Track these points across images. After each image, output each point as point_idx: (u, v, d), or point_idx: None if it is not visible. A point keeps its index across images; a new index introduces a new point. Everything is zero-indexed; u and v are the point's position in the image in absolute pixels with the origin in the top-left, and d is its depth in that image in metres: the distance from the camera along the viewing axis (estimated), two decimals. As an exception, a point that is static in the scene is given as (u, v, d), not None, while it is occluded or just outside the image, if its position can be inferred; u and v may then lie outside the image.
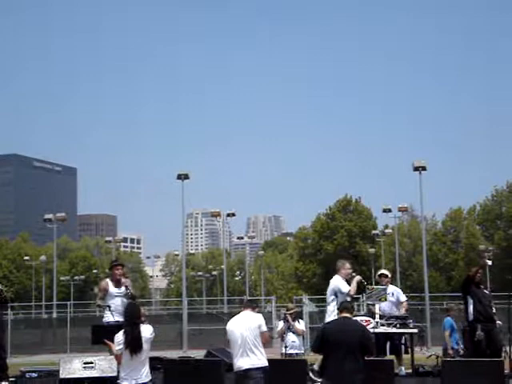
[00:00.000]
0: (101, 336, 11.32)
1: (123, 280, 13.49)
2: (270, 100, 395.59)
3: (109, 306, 13.03)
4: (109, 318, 13.00)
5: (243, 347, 10.11)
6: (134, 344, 9.14)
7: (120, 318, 12.80)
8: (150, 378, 9.41)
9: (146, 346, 9.23)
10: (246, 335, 10.12)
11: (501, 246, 75.12)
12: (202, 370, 12.68)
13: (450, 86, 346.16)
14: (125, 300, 13.05)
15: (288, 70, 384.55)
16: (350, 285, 13.14)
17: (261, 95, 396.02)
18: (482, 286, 13.82)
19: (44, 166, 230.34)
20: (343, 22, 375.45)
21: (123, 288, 13.30)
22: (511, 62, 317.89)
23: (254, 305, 10.69)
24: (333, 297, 12.99)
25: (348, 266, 13.51)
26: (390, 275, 15.70)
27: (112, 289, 13.29)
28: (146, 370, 9.30)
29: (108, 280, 13.47)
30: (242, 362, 10.12)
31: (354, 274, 13.58)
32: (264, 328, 10.19)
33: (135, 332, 9.18)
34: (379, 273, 15.78)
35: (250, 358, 10.05)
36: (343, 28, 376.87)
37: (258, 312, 10.58)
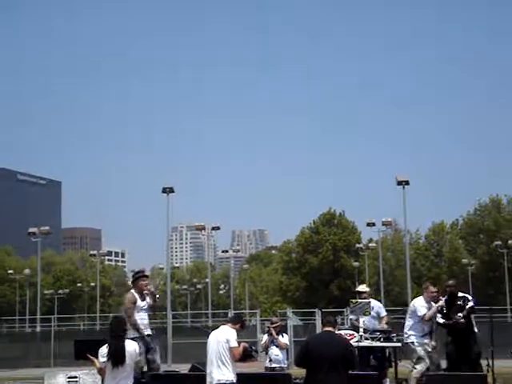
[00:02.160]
0: (84, 351, 11.29)
1: (149, 287, 13.10)
2: (254, 115, 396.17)
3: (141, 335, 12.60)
4: (135, 333, 12.59)
5: (211, 361, 10.25)
6: (116, 356, 9.14)
7: (149, 332, 12.85)
8: None
9: (129, 360, 9.20)
10: (215, 349, 10.23)
11: (483, 259, 75.49)
12: (186, 383, 12.70)
13: (432, 98, 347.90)
14: (146, 313, 12.88)
15: (273, 87, 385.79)
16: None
17: (245, 110, 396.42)
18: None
19: (28, 180, 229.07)
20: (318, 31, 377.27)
21: (146, 301, 12.94)
22: (493, 67, 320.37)
23: (235, 321, 10.71)
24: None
25: (432, 289, 13.79)
26: (367, 290, 15.77)
27: (138, 302, 12.85)
28: None
29: (134, 292, 12.94)
30: (209, 377, 10.26)
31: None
32: (232, 344, 10.20)
33: (119, 345, 9.18)
34: (357, 290, 15.87)
35: (216, 372, 10.16)
36: (320, 45, 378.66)
37: (241, 328, 10.61)
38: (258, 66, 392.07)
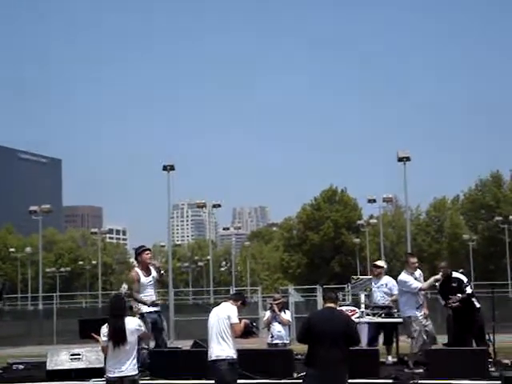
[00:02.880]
0: (88, 330, 11.31)
1: (153, 262, 13.01)
2: (254, 91, 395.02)
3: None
4: (145, 308, 12.63)
5: (212, 337, 10.29)
6: (116, 336, 9.14)
7: (156, 308, 12.85)
8: (137, 371, 9.39)
9: (131, 338, 9.20)
10: (216, 325, 10.26)
11: (484, 235, 75.55)
12: (189, 360, 12.74)
13: (433, 75, 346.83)
14: (152, 289, 12.81)
15: (271, 64, 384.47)
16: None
17: (246, 84, 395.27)
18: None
19: (29, 158, 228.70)
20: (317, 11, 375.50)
21: (152, 275, 12.85)
22: (493, 51, 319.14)
23: (236, 298, 10.72)
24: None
25: (412, 259, 13.88)
26: (384, 266, 15.72)
27: (143, 279, 12.77)
28: (132, 362, 9.24)
29: (137, 269, 12.87)
30: (210, 352, 10.31)
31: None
32: (234, 320, 10.23)
33: (118, 324, 9.17)
34: (375, 263, 15.87)
35: (216, 348, 10.19)
36: (319, 19, 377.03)
37: (242, 305, 10.61)
38: (259, 40, 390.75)
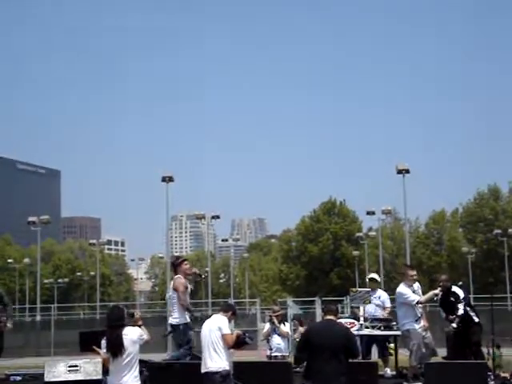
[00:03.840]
0: (89, 342, 11.25)
1: (193, 270, 13.28)
2: (253, 103, 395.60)
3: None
4: (183, 319, 12.73)
5: (204, 349, 10.33)
6: (113, 347, 9.06)
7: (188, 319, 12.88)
8: (139, 382, 9.26)
9: (132, 348, 9.09)
10: (207, 337, 10.29)
11: (483, 248, 75.55)
12: (187, 372, 12.70)
13: (433, 88, 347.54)
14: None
15: (270, 78, 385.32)
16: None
17: (243, 99, 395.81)
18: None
19: (27, 169, 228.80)
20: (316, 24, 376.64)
21: (189, 286, 12.95)
22: (492, 64, 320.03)
23: (226, 309, 10.75)
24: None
25: (410, 272, 13.81)
26: (379, 280, 15.88)
27: (189, 287, 12.95)
28: (133, 373, 9.13)
29: (182, 277, 12.94)
30: (203, 365, 10.34)
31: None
32: (225, 331, 10.25)
33: (114, 335, 9.09)
34: (369, 276, 15.88)
35: (208, 361, 10.23)
36: (317, 32, 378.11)
37: (232, 315, 10.62)
38: (258, 48, 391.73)
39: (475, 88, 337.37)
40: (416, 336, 13.20)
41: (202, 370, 10.27)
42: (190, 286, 13.12)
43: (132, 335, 9.18)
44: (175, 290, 12.86)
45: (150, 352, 17.05)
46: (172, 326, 13.00)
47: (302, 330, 17.11)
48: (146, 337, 9.45)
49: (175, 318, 12.88)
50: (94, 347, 9.60)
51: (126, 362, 9.06)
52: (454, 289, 13.87)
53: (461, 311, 13.47)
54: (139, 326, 9.73)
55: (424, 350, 13.22)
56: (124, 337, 9.10)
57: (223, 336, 10.21)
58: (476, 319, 13.60)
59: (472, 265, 69.49)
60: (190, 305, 12.83)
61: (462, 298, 13.67)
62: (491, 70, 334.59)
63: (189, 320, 12.79)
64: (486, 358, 13.28)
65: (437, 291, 13.59)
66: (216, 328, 10.25)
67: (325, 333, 9.36)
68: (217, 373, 10.08)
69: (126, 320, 9.35)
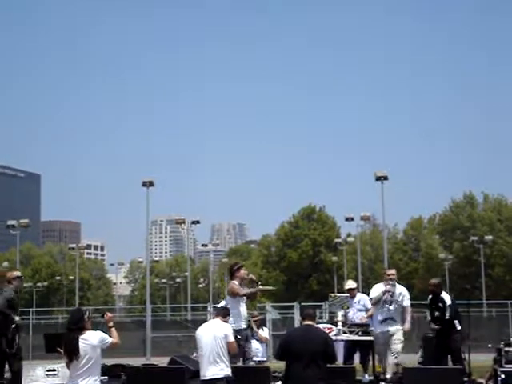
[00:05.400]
0: (54, 344, 11.17)
1: (250, 276, 13.19)
2: (235, 109, 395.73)
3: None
4: (241, 324, 12.58)
5: (207, 356, 10.21)
6: (68, 350, 8.98)
7: (245, 325, 12.82)
8: None
9: (92, 353, 8.94)
10: (212, 344, 10.21)
11: (459, 255, 76.02)
12: (166, 377, 12.70)
13: (412, 95, 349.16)
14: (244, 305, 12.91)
15: (255, 84, 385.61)
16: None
17: (225, 103, 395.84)
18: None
19: (7, 172, 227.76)
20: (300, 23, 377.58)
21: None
22: (479, 69, 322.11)
23: (225, 313, 10.77)
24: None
25: (387, 271, 13.78)
26: (355, 285, 15.95)
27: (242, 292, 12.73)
28: (92, 378, 8.98)
29: (236, 283, 12.77)
30: (205, 372, 10.24)
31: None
32: (230, 338, 10.27)
33: (69, 337, 8.99)
34: (347, 288, 15.86)
35: (213, 367, 10.14)
36: (307, 34, 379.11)
37: (228, 319, 10.68)
38: (244, 51, 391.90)
39: (454, 94, 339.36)
40: (375, 338, 13.28)
41: (205, 377, 10.18)
42: (258, 282, 13.15)
43: (92, 339, 9.02)
44: (231, 295, 12.76)
45: (129, 356, 17.07)
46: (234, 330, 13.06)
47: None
48: (111, 340, 9.21)
49: (232, 323, 12.86)
50: (59, 348, 9.52)
51: (85, 366, 8.92)
52: (444, 295, 13.94)
53: (447, 316, 13.55)
54: (110, 328, 9.62)
55: (380, 353, 13.14)
56: (83, 342, 8.96)
57: (229, 343, 10.23)
58: (458, 327, 13.71)
59: (449, 271, 69.88)
60: (246, 292, 12.75)
61: (448, 304, 13.75)
62: (473, 74, 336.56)
63: (245, 326, 12.70)
64: (465, 365, 13.38)
65: (388, 287, 13.44)
66: (222, 335, 10.21)
67: (303, 338, 9.38)
68: (223, 379, 10.08)
69: (86, 324, 9.13)
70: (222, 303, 14.29)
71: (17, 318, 12.89)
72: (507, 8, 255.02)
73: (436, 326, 13.55)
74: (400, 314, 13.44)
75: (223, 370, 10.14)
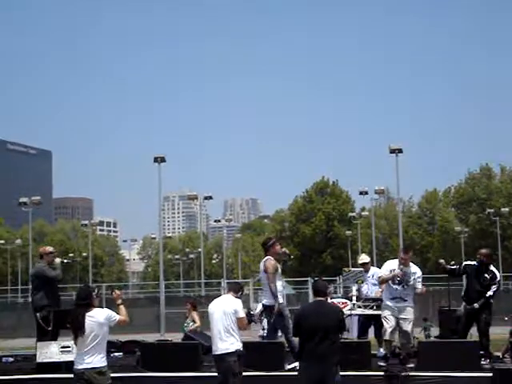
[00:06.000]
0: (62, 321, 11.18)
1: (283, 250, 13.24)
2: (246, 83, 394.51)
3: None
4: (274, 300, 12.47)
5: (218, 331, 10.20)
6: (73, 326, 9.01)
7: (282, 300, 12.71)
8: (105, 363, 9.11)
9: (98, 330, 8.96)
10: (222, 319, 10.18)
11: (475, 228, 75.66)
12: (180, 353, 12.66)
13: (425, 70, 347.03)
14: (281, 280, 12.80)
15: (263, 59, 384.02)
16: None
17: (235, 78, 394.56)
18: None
19: (18, 149, 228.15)
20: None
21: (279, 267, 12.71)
22: (485, 46, 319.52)
23: (237, 288, 10.66)
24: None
25: (401, 255, 13.27)
26: (368, 260, 15.75)
27: (279, 269, 12.73)
28: (99, 355, 9.00)
29: (272, 259, 12.72)
30: (215, 346, 10.24)
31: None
32: (240, 314, 10.20)
33: (75, 313, 9.03)
34: (360, 262, 15.65)
35: (223, 342, 10.12)
36: (318, 20, 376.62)
37: (240, 295, 10.57)
38: (255, 32, 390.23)
39: (464, 67, 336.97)
40: (382, 311, 12.98)
41: (216, 352, 10.18)
42: (279, 267, 12.86)
43: (99, 317, 9.03)
44: (265, 271, 12.71)
45: (143, 332, 17.04)
46: (264, 306, 12.92)
47: (194, 314, 16.82)
48: (118, 317, 9.22)
49: (266, 298, 12.74)
50: (68, 325, 9.50)
51: (92, 343, 8.95)
52: (493, 269, 13.49)
53: (490, 292, 13.11)
54: (118, 305, 9.56)
55: (391, 324, 12.80)
56: (90, 319, 8.98)
57: (239, 319, 10.17)
58: (491, 300, 13.32)
59: (464, 245, 69.63)
60: (277, 290, 12.50)
61: (497, 279, 13.37)
62: (484, 52, 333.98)
63: (281, 301, 12.58)
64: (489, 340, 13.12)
65: (397, 271, 13.01)
66: (232, 311, 10.16)
67: (315, 314, 9.31)
68: (234, 353, 10.03)
69: (93, 301, 9.15)
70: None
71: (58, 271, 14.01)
72: (507, 6, 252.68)
73: (476, 305, 13.04)
74: (411, 295, 12.98)
75: (233, 344, 10.09)
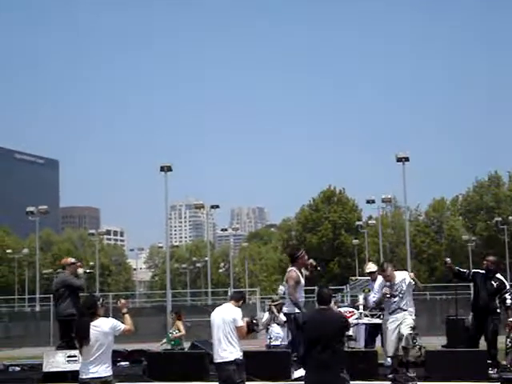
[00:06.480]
0: (69, 331, 11.20)
1: (310, 261, 13.05)
2: (252, 92, 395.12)
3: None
4: (293, 309, 12.51)
5: (218, 339, 10.26)
6: (78, 335, 8.99)
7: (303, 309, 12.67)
8: (110, 373, 9.07)
9: (103, 340, 8.94)
10: (222, 328, 10.23)
11: (483, 236, 75.49)
12: (186, 362, 12.65)
13: (432, 76, 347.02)
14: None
15: (265, 61, 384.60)
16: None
17: (242, 87, 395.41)
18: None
19: (26, 159, 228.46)
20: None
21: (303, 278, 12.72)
22: (493, 52, 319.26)
23: (238, 297, 10.64)
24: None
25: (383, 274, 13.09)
26: (375, 269, 15.54)
27: (302, 280, 12.68)
28: (105, 364, 8.98)
29: (296, 270, 12.65)
30: (216, 355, 10.31)
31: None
32: (239, 323, 10.21)
33: (80, 323, 9.02)
34: (368, 271, 15.40)
35: (223, 351, 10.18)
36: (321, 15, 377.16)
37: (243, 303, 10.55)
38: (256, 39, 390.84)
39: (476, 75, 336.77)
40: (383, 326, 12.82)
41: (217, 360, 10.26)
42: (302, 279, 12.76)
43: (104, 326, 9.01)
44: (287, 281, 12.77)
45: (150, 341, 17.06)
46: (285, 315, 13.10)
47: (179, 324, 16.83)
48: (123, 327, 9.19)
49: (287, 307, 12.86)
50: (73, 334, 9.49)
51: (97, 353, 8.92)
52: (499, 276, 13.38)
53: (509, 301, 13.01)
54: (123, 314, 9.56)
55: (390, 339, 12.65)
56: (95, 328, 8.95)
57: (237, 328, 10.20)
58: (498, 310, 13.25)
59: (472, 253, 69.45)
60: (298, 301, 12.53)
61: (508, 287, 13.27)
62: (492, 57, 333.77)
63: (297, 311, 12.54)
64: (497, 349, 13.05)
65: (385, 290, 12.79)
66: (230, 319, 10.20)
67: (318, 323, 9.27)
68: (232, 362, 10.07)
69: (98, 310, 9.12)
70: (281, 288, 14.15)
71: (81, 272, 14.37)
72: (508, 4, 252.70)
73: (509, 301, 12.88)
74: (411, 301, 12.77)
75: (232, 353, 10.13)
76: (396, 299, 12.51)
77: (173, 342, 16.70)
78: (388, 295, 12.47)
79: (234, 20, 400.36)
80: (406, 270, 13.48)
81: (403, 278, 12.73)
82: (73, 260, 14.58)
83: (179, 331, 16.85)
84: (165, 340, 17.09)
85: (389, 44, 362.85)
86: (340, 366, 9.11)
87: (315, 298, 9.60)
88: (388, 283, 12.59)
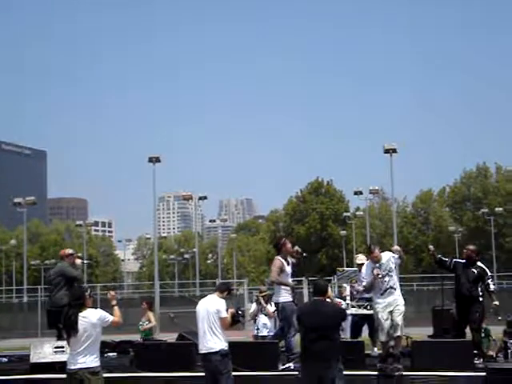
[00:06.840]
0: (56, 320, 11.23)
1: (295, 249, 12.99)
2: (242, 84, 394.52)
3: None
4: (286, 297, 12.56)
5: (203, 330, 10.33)
6: (66, 326, 9.06)
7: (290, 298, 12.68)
8: (98, 363, 9.13)
9: (91, 330, 9.00)
10: (206, 319, 10.29)
11: (469, 227, 75.81)
12: (174, 353, 12.67)
13: (421, 68, 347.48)
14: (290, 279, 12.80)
15: (262, 52, 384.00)
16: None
17: (232, 77, 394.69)
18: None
19: (13, 149, 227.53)
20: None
21: (289, 265, 12.72)
22: (483, 43, 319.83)
23: (223, 288, 10.66)
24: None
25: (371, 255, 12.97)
26: (364, 261, 15.55)
27: (287, 268, 12.65)
28: (93, 355, 9.05)
29: (281, 259, 12.64)
30: (201, 345, 10.38)
31: None
32: (222, 314, 10.26)
33: (69, 313, 9.06)
34: (358, 263, 15.41)
35: (208, 342, 10.24)
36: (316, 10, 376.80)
37: (228, 295, 10.57)
38: (256, 33, 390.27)
39: (463, 69, 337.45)
40: (375, 311, 12.78)
41: (202, 351, 10.32)
42: (289, 267, 12.72)
43: (92, 317, 9.07)
44: (271, 270, 12.87)
45: (137, 332, 17.07)
46: (275, 304, 13.15)
47: (150, 314, 16.80)
48: (111, 318, 9.25)
49: (276, 296, 12.89)
50: (60, 325, 9.51)
51: (85, 344, 8.98)
52: (481, 264, 13.43)
53: (492, 287, 13.10)
54: (112, 306, 9.60)
55: (385, 326, 12.63)
56: (83, 319, 9.02)
57: (221, 319, 10.24)
58: (480, 298, 13.28)
59: (459, 244, 69.70)
60: (283, 281, 12.54)
61: (489, 274, 13.35)
62: (483, 48, 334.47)
63: (290, 299, 12.59)
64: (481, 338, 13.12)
65: (376, 271, 12.82)
66: (214, 310, 10.25)
67: (313, 313, 9.35)
68: (217, 352, 10.12)
69: (87, 301, 9.20)
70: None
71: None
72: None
73: (497, 303, 12.96)
74: (398, 279, 12.88)
75: (216, 343, 10.19)
76: (386, 278, 12.57)
77: (143, 333, 16.60)
78: (380, 275, 12.52)
79: (232, 15, 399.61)
80: (390, 250, 13.32)
81: (389, 256, 12.85)
82: (71, 251, 14.72)
83: (149, 322, 16.68)
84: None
85: (381, 36, 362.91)
86: (336, 356, 9.19)
87: (303, 290, 9.62)
88: (377, 264, 12.65)
